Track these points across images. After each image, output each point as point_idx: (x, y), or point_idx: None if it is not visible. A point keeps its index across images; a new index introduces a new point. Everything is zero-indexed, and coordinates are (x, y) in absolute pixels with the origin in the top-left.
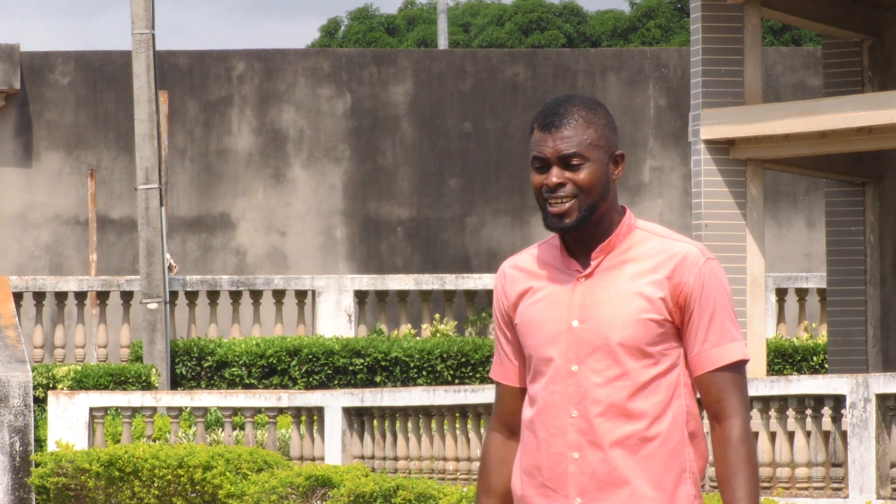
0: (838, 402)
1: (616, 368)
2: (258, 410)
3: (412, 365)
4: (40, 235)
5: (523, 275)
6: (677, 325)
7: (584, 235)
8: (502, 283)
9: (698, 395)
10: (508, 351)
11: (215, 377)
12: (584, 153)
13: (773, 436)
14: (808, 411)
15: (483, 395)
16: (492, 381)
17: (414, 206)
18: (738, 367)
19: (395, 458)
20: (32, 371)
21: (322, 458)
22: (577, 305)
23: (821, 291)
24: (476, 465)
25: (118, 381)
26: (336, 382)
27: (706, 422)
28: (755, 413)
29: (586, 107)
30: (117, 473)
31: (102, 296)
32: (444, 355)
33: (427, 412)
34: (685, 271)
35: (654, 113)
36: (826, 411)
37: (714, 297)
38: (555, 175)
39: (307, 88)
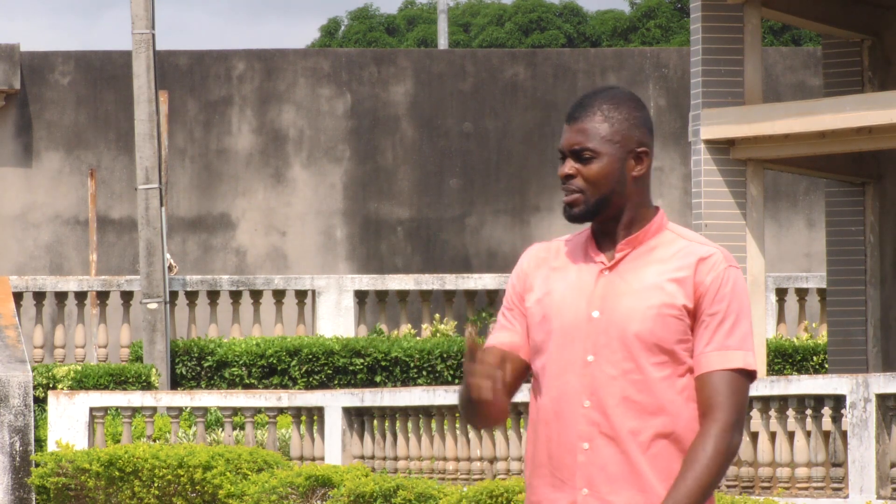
0: (838, 402)
1: (631, 362)
2: (258, 410)
3: (412, 365)
4: (40, 235)
5: (549, 257)
6: (691, 324)
7: (607, 228)
8: (527, 264)
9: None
10: (516, 322)
11: (215, 377)
12: (595, 147)
13: (773, 436)
14: (808, 411)
15: None
16: None
17: (414, 206)
18: (739, 375)
19: (395, 458)
20: (32, 371)
21: (322, 458)
22: (598, 296)
23: (821, 291)
24: (476, 465)
25: (118, 381)
26: (336, 382)
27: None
28: (755, 413)
29: (611, 101)
30: (117, 473)
31: (102, 296)
32: (444, 355)
33: (427, 412)
34: (704, 272)
35: (654, 113)
36: (826, 411)
37: (728, 301)
38: (566, 167)
39: (307, 88)
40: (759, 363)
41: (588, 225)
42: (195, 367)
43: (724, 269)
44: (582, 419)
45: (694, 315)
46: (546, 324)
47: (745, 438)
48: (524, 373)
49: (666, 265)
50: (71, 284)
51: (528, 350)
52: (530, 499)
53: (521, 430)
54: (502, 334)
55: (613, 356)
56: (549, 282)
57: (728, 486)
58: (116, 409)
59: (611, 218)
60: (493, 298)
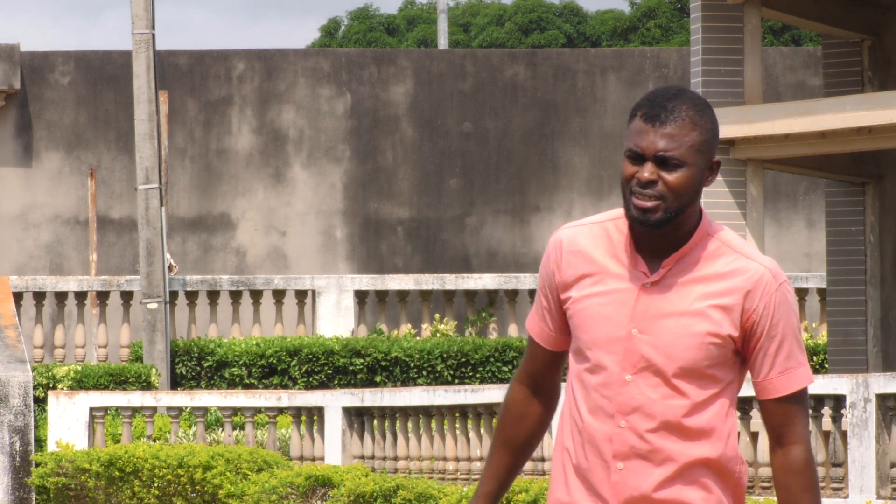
0: (838, 402)
1: (671, 387)
2: (258, 410)
3: (412, 365)
4: (40, 235)
5: (583, 257)
6: (738, 347)
7: (659, 233)
8: (557, 258)
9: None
10: (549, 319)
11: (215, 377)
12: (684, 156)
13: None
14: (808, 411)
15: (483, 395)
16: (491, 381)
17: (414, 206)
18: (804, 393)
19: (395, 458)
20: (32, 371)
21: (322, 458)
22: (639, 314)
23: (821, 291)
24: (476, 465)
25: (118, 381)
26: (336, 382)
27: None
28: (755, 413)
29: (695, 107)
30: (117, 473)
31: (102, 296)
32: (444, 355)
33: (427, 412)
34: (756, 297)
35: None
36: (826, 411)
37: (783, 323)
38: (647, 171)
39: (307, 88)
40: None
41: (618, 214)
42: (195, 367)
43: (776, 290)
44: (618, 439)
45: (742, 341)
46: (584, 333)
47: (745, 438)
48: (561, 362)
49: (711, 286)
50: (71, 284)
51: (561, 343)
52: (560, 498)
53: None
54: (536, 328)
55: (652, 379)
56: (586, 283)
57: None
58: (116, 409)
59: (672, 224)
60: (493, 298)
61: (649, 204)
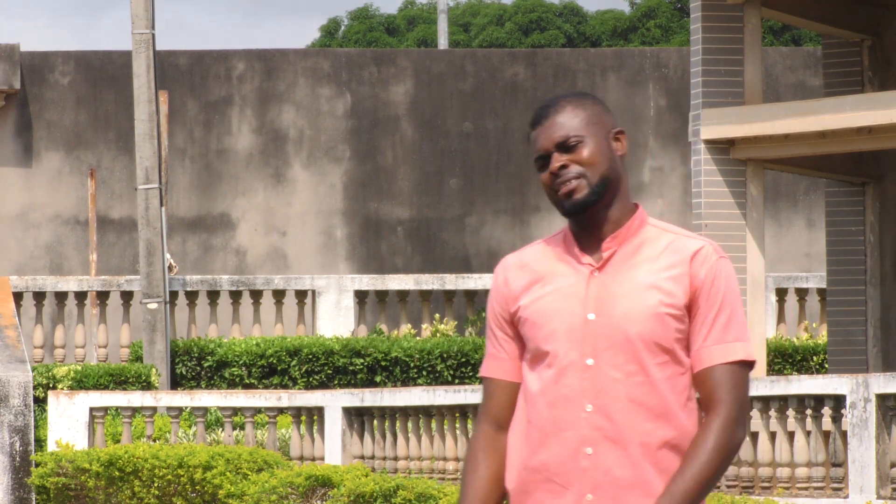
0: (838, 402)
1: (634, 364)
2: (258, 410)
3: (412, 365)
4: (40, 235)
5: (528, 267)
6: (688, 321)
7: (596, 222)
8: (504, 276)
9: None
10: (506, 346)
11: (215, 377)
12: (580, 132)
13: (773, 436)
14: (808, 411)
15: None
16: None
17: (414, 206)
18: (740, 367)
19: (395, 458)
20: (32, 371)
21: (322, 458)
22: (592, 298)
23: (821, 291)
24: None
25: (118, 381)
26: (336, 382)
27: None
28: (755, 413)
29: (574, 96)
30: (117, 473)
31: (102, 296)
32: (444, 355)
33: (427, 412)
34: (698, 264)
35: (654, 113)
36: (826, 411)
37: (723, 294)
38: (556, 160)
39: (307, 88)
40: (760, 363)
41: (559, 230)
42: (195, 367)
43: (717, 261)
44: (584, 423)
45: (690, 310)
46: (539, 330)
47: (745, 438)
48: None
49: (657, 262)
50: (71, 284)
51: (521, 372)
52: None
53: None
54: (493, 366)
55: (615, 359)
56: (536, 290)
57: (728, 486)
58: (116, 409)
59: (602, 205)
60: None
61: (572, 185)
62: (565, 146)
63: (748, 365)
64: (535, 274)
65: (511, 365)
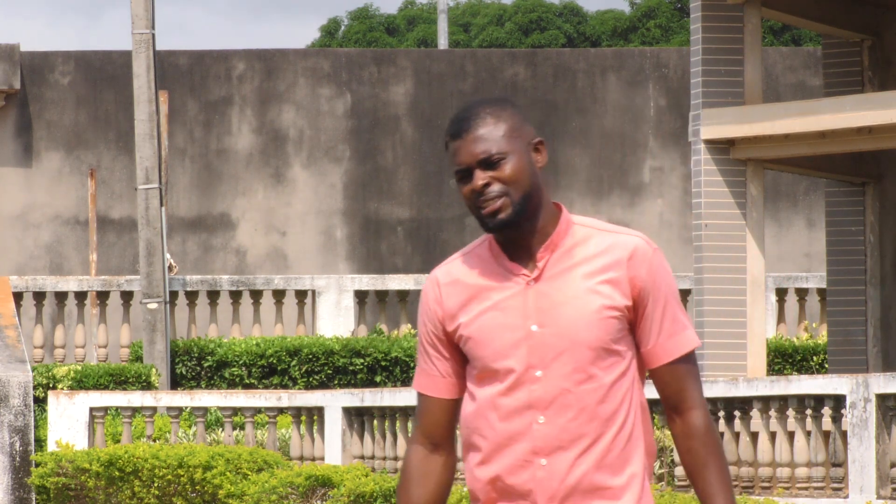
0: (838, 402)
1: (582, 371)
2: (258, 410)
3: (412, 365)
4: (40, 235)
5: (462, 284)
6: (631, 319)
7: (522, 234)
8: (436, 295)
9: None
10: (439, 365)
11: (215, 377)
12: (502, 148)
13: (773, 436)
14: (808, 411)
15: None
16: None
17: (414, 206)
18: (693, 357)
19: (395, 458)
20: (32, 371)
21: (322, 458)
22: (532, 310)
23: (821, 291)
24: None
25: (118, 381)
26: (336, 382)
27: (663, 415)
28: (755, 413)
29: (491, 104)
30: (117, 473)
31: (102, 296)
32: None
33: None
34: (637, 264)
35: (654, 113)
36: (826, 411)
37: (664, 287)
38: (479, 178)
39: (307, 88)
40: (760, 363)
41: (480, 239)
42: (195, 367)
43: (653, 256)
44: (537, 435)
45: (635, 309)
46: (484, 348)
47: (745, 439)
48: (458, 408)
49: (592, 264)
50: (71, 284)
51: (456, 388)
52: None
53: None
54: (425, 382)
55: (564, 368)
56: (474, 307)
57: None
58: (116, 409)
59: (527, 217)
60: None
61: (496, 205)
62: (488, 162)
63: (696, 350)
64: (470, 290)
65: (444, 382)
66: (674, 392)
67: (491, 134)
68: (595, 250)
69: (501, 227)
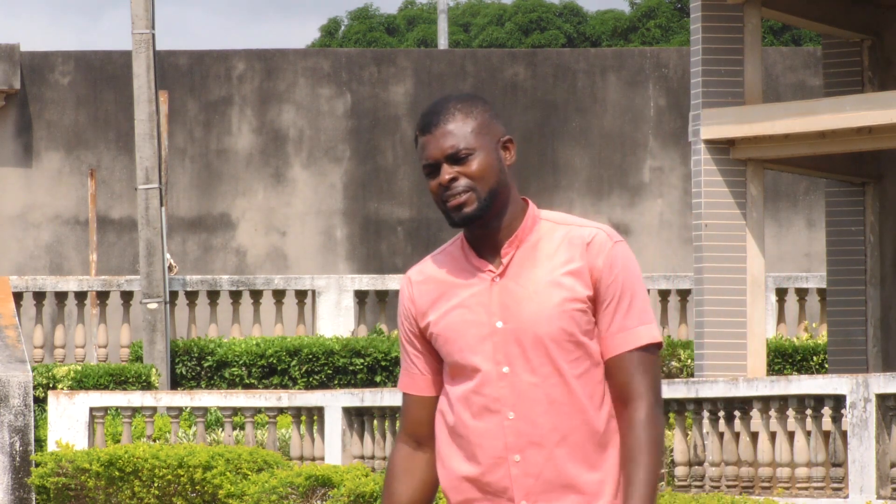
0: (838, 402)
1: (549, 366)
2: (258, 410)
3: None
4: (40, 235)
5: (433, 282)
6: (594, 310)
7: (489, 231)
8: (410, 293)
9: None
10: (418, 362)
11: (215, 377)
12: (470, 144)
13: (773, 436)
14: (808, 411)
15: None
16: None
17: (414, 206)
18: (649, 350)
19: None
20: (32, 371)
21: (322, 458)
22: (497, 306)
23: (821, 291)
24: None
25: (118, 381)
26: (336, 382)
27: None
28: (755, 413)
29: (461, 100)
30: (117, 473)
31: (102, 296)
32: None
33: None
34: (594, 253)
35: (654, 113)
36: (826, 411)
37: (622, 279)
38: (446, 172)
39: (307, 88)
40: (760, 363)
41: (453, 238)
42: (195, 367)
43: (612, 248)
44: (509, 431)
45: (595, 300)
46: (452, 345)
47: (745, 439)
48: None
49: (555, 259)
50: (71, 284)
51: (436, 385)
52: None
53: None
54: (408, 381)
55: (529, 363)
56: (442, 304)
57: (728, 486)
58: (116, 409)
59: (493, 214)
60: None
61: (462, 199)
62: (455, 158)
63: (656, 346)
64: (440, 287)
65: (424, 380)
66: (620, 383)
67: (459, 129)
68: (556, 243)
69: (466, 222)
